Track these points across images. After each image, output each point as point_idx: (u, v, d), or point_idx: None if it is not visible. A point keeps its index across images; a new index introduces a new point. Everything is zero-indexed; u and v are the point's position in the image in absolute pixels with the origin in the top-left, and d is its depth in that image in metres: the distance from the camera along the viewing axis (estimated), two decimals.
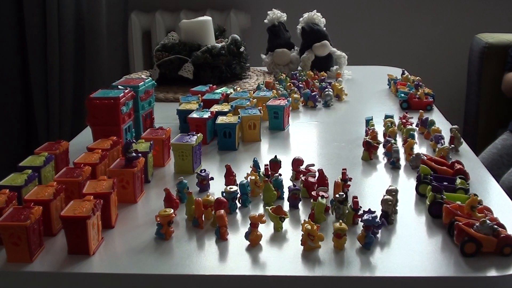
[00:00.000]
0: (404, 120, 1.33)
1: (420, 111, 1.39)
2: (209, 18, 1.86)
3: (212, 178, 1.03)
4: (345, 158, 1.19)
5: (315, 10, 1.99)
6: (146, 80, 1.32)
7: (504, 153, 1.91)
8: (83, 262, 0.80)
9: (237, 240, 0.85)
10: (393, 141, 1.17)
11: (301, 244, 0.82)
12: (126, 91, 1.20)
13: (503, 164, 1.86)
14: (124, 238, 0.87)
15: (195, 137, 1.12)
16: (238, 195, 0.96)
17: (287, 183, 1.02)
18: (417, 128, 1.33)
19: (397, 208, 0.92)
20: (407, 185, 1.04)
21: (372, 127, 1.26)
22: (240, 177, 1.04)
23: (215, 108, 1.34)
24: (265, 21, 2.00)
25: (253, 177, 1.00)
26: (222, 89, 1.54)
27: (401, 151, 1.19)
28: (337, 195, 0.91)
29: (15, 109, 2.39)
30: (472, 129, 2.47)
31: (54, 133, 2.38)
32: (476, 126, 2.44)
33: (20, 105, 2.40)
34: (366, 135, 1.24)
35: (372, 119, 1.34)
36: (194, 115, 1.28)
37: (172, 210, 0.87)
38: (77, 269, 0.78)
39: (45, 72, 2.34)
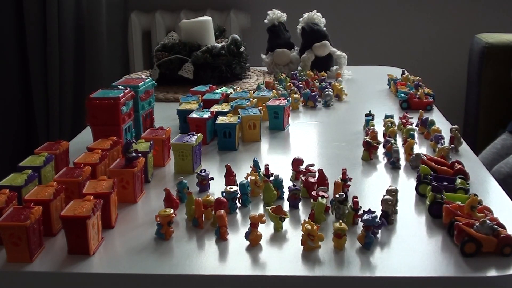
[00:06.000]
0: (404, 120, 1.33)
1: (420, 111, 1.39)
2: (209, 18, 1.87)
3: (212, 178, 1.04)
4: (345, 158, 1.19)
5: (315, 10, 1.99)
6: (146, 80, 1.32)
7: (504, 153, 1.91)
8: (83, 262, 0.80)
9: (237, 240, 0.85)
10: (393, 141, 1.17)
11: (301, 244, 0.82)
12: (126, 91, 1.20)
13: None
14: (124, 238, 0.87)
15: (195, 137, 1.12)
16: (238, 195, 0.96)
17: (287, 183, 1.02)
18: (417, 128, 1.33)
19: (397, 208, 0.92)
20: (407, 185, 1.04)
21: (372, 127, 1.26)
22: (240, 177, 1.04)
23: (215, 108, 1.34)
24: (265, 21, 2.00)
25: (253, 177, 1.00)
26: (222, 89, 1.54)
27: (401, 151, 1.19)
28: (337, 195, 0.91)
29: (15, 109, 2.39)
30: (472, 129, 2.47)
31: (54, 133, 2.38)
32: (476, 126, 2.44)
33: (20, 105, 2.40)
34: (366, 135, 1.24)
35: (372, 119, 1.34)
36: (194, 115, 1.28)
37: (172, 210, 0.87)
38: (77, 269, 0.78)
39: (45, 72, 2.33)
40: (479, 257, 0.79)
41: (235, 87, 1.59)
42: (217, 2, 2.72)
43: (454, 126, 1.25)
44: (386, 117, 1.33)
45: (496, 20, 2.68)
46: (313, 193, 0.93)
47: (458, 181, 0.98)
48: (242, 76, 1.86)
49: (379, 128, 1.29)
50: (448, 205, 0.87)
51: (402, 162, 1.14)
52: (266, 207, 0.91)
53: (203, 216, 0.91)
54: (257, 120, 1.29)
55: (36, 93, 2.35)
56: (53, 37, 2.31)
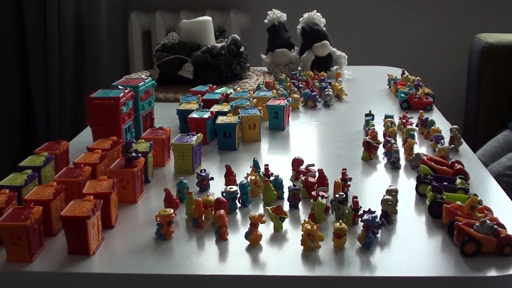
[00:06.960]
0: (404, 120, 1.33)
1: (420, 111, 1.39)
2: (209, 18, 1.87)
3: (212, 178, 1.04)
4: (345, 158, 1.19)
5: (315, 10, 1.99)
6: (146, 80, 1.32)
7: (506, 148, 1.92)
8: (83, 262, 0.80)
9: (237, 240, 0.85)
10: (393, 141, 1.17)
11: (301, 244, 0.82)
12: (126, 91, 1.20)
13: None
14: (124, 238, 0.87)
15: (195, 137, 1.12)
16: (238, 195, 0.96)
17: (287, 183, 1.02)
18: (417, 128, 1.33)
19: (397, 208, 0.92)
20: (407, 185, 1.04)
21: (372, 127, 1.26)
22: (240, 177, 1.04)
23: (215, 108, 1.34)
24: (265, 21, 2.00)
25: (253, 177, 1.00)
26: (222, 89, 1.54)
27: (401, 151, 1.19)
28: (337, 195, 0.91)
29: (15, 109, 2.39)
30: (472, 129, 2.47)
31: (54, 133, 2.37)
32: (476, 126, 2.44)
33: (20, 105, 2.40)
34: (366, 135, 1.24)
35: (372, 119, 1.34)
36: (194, 115, 1.28)
37: (172, 210, 0.87)
38: (77, 269, 0.78)
39: (45, 72, 2.33)
40: (479, 257, 0.79)
41: (235, 87, 1.59)
42: (217, 2, 2.72)
43: (454, 126, 1.25)
44: (386, 117, 1.33)
45: (496, 20, 2.68)
46: (313, 193, 0.93)
47: (458, 181, 0.98)
48: (242, 76, 1.86)
49: (379, 128, 1.29)
50: (448, 205, 0.87)
51: (402, 162, 1.14)
52: (266, 207, 0.91)
53: (203, 216, 0.91)
54: (257, 120, 1.29)
55: (36, 93, 2.35)
56: (53, 37, 2.30)
